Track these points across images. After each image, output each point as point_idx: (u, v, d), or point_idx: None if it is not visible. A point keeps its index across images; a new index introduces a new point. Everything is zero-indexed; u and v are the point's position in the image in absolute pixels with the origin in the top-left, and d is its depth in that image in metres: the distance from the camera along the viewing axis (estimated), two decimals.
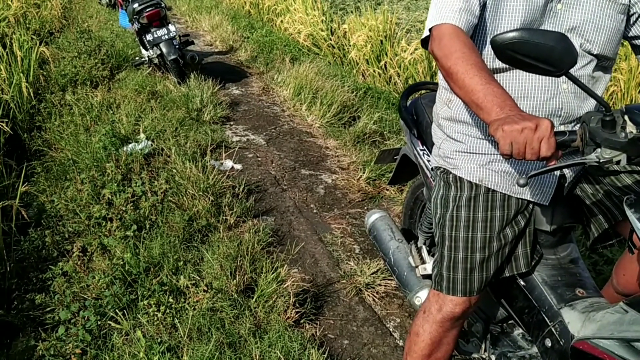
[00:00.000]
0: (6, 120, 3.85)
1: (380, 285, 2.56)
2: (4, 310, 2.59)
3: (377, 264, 2.63)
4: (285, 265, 2.56)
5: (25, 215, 2.82)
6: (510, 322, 1.73)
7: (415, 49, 5.23)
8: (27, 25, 7.07)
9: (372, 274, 2.60)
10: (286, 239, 2.95)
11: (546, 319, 1.44)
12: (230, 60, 6.54)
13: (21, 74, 4.73)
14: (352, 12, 10.26)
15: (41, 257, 2.85)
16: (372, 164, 3.45)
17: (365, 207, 3.28)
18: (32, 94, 4.70)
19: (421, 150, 1.96)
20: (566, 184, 1.53)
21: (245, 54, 6.53)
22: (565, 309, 1.41)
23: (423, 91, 2.46)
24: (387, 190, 3.43)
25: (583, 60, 1.45)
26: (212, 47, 7.23)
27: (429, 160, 1.88)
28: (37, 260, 2.83)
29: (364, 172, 3.54)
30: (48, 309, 2.49)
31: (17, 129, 4.40)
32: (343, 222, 3.11)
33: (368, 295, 2.52)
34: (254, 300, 2.34)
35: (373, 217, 2.34)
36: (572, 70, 1.16)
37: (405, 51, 5.44)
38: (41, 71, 5.42)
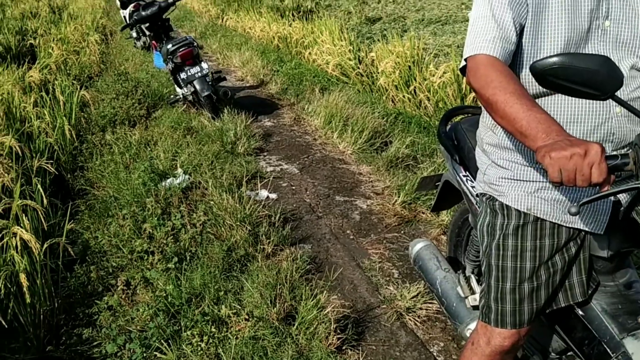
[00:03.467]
0: (51, 161, 4.01)
1: (421, 309, 2.53)
2: (53, 346, 2.66)
3: (417, 288, 2.61)
4: (325, 292, 2.56)
5: (71, 252, 2.91)
6: (569, 354, 1.65)
7: (444, 73, 5.25)
8: (68, 71, 7.40)
9: (413, 297, 2.57)
10: (324, 266, 2.96)
11: (608, 350, 1.37)
12: (261, 93, 6.68)
13: (64, 118, 4.93)
14: (379, 40, 10.40)
15: (87, 293, 2.93)
16: (413, 191, 3.43)
17: (402, 232, 3.27)
18: (74, 136, 4.89)
19: (464, 176, 1.91)
20: (622, 209, 1.42)
21: (275, 87, 6.66)
22: (628, 339, 1.33)
23: (462, 115, 2.41)
24: (424, 213, 3.41)
25: (637, 80, 1.37)
26: (243, 82, 7.40)
27: (473, 187, 1.83)
28: (83, 296, 2.91)
29: (399, 196, 3.54)
30: (95, 343, 2.55)
31: (61, 170, 4.57)
32: (380, 247, 3.10)
33: (409, 319, 2.49)
34: (295, 327, 2.34)
35: (417, 246, 2.29)
36: (625, 92, 1.11)
37: (433, 75, 5.47)
38: (82, 113, 5.64)
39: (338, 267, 2.93)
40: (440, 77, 5.28)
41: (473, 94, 4.87)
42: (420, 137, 4.43)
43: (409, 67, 5.92)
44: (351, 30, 8.45)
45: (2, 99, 5.00)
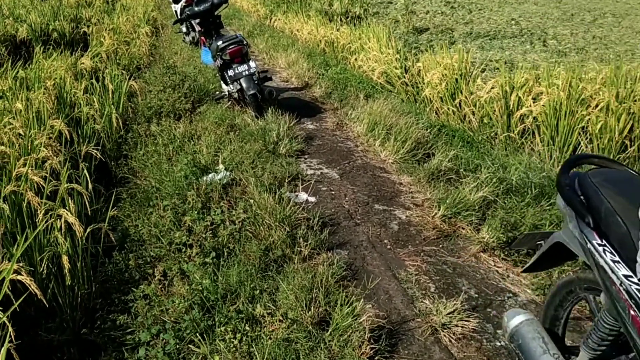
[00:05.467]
0: (97, 148, 4.10)
1: (457, 326, 2.47)
2: (88, 329, 2.70)
3: (454, 304, 2.56)
4: (362, 300, 2.53)
5: (112, 239, 2.96)
6: None
7: (492, 88, 5.16)
8: (118, 61, 7.57)
9: (449, 314, 2.52)
10: (360, 273, 2.93)
11: None
12: (305, 96, 6.70)
13: (112, 106, 5.04)
14: (425, 50, 10.31)
15: (123, 279, 2.97)
16: (511, 247, 3.23)
17: (441, 245, 3.21)
18: (120, 125, 4.99)
19: (600, 245, 1.54)
20: None
21: (320, 90, 6.67)
22: None
23: (587, 165, 2.00)
24: (463, 229, 3.35)
25: None
26: (287, 83, 7.44)
27: (615, 262, 1.47)
28: (119, 282, 2.95)
29: (439, 210, 3.48)
30: (129, 330, 2.58)
31: (106, 157, 4.67)
32: (418, 260, 3.05)
33: (444, 335, 2.44)
34: (328, 333, 2.32)
35: (516, 319, 1.91)
36: None
37: (480, 90, 5.38)
38: (129, 103, 5.76)
39: (374, 276, 2.89)
40: (487, 92, 5.19)
41: (521, 112, 4.76)
42: (464, 151, 4.35)
43: (456, 79, 5.84)
44: (398, 39, 8.40)
45: (55, 83, 5.15)
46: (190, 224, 3.17)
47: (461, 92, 5.66)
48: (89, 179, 3.35)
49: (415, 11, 18.26)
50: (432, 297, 2.72)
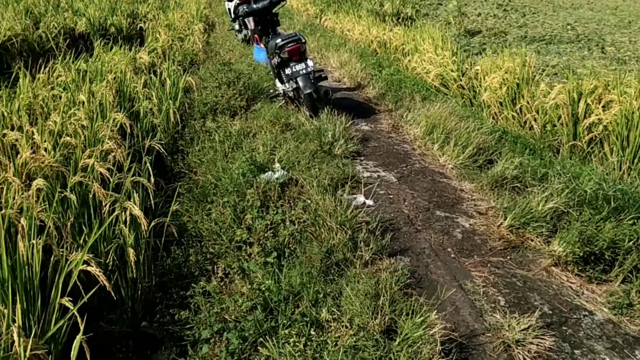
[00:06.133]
0: (159, 142, 4.12)
1: (532, 343, 2.34)
2: (148, 322, 2.69)
3: (528, 320, 2.42)
4: (434, 311, 2.43)
5: (175, 234, 2.95)
6: None
7: (558, 94, 4.95)
8: (173, 57, 7.66)
9: (523, 330, 2.39)
10: (424, 282, 2.83)
11: None
12: (358, 96, 6.61)
13: (170, 101, 5.08)
14: (478, 53, 10.09)
15: (182, 274, 2.95)
16: None
17: (508, 257, 3.07)
18: (178, 120, 5.02)
19: None
20: None
21: (373, 91, 6.57)
22: None
23: None
24: (532, 240, 3.20)
25: None
26: (340, 83, 7.36)
27: None
28: (177, 277, 2.94)
29: (505, 219, 3.34)
30: (188, 325, 2.56)
31: (163, 151, 4.70)
32: (485, 271, 2.93)
33: (519, 353, 2.31)
34: (397, 343, 2.23)
35: None
36: None
37: (545, 95, 5.18)
38: (185, 99, 5.79)
39: (438, 286, 2.78)
40: (553, 98, 4.98)
41: (589, 120, 4.55)
42: (529, 159, 4.18)
43: (517, 84, 5.64)
44: (454, 42, 8.21)
45: (116, 77, 5.22)
46: (250, 222, 3.13)
47: (523, 97, 5.47)
48: (151, 172, 3.35)
49: (466, 13, 17.92)
50: (502, 311, 2.59)
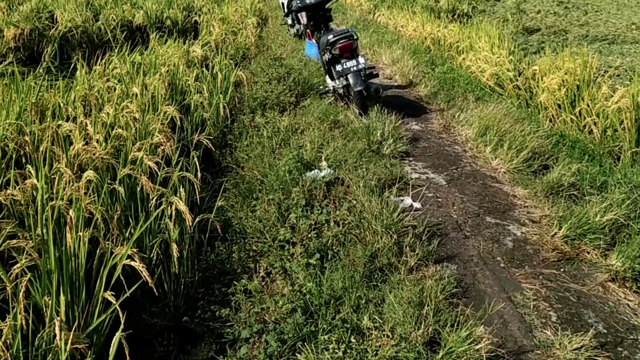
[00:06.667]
0: (206, 136, 4.15)
1: None
2: (189, 317, 2.71)
3: (582, 340, 2.29)
4: (482, 325, 2.33)
5: (219, 230, 2.95)
6: None
7: (622, 97, 4.68)
8: (225, 50, 7.73)
9: (575, 349, 2.26)
10: (470, 292, 2.72)
11: None
12: (409, 94, 6.48)
13: (220, 95, 5.11)
14: (537, 52, 9.73)
15: (225, 270, 2.95)
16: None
17: (562, 269, 2.92)
18: (227, 114, 5.04)
19: None
20: None
21: (425, 90, 6.42)
22: None
23: None
24: (588, 253, 3.03)
25: None
26: (391, 80, 7.24)
27: None
28: (220, 272, 2.94)
29: (559, 229, 3.18)
30: (228, 323, 2.55)
31: (211, 145, 4.74)
32: (536, 283, 2.79)
33: None
34: (440, 356, 2.15)
35: None
36: None
37: (607, 99, 4.91)
38: (236, 93, 5.83)
39: (486, 297, 2.67)
40: (616, 102, 4.72)
41: None
42: (588, 166, 3.97)
43: (577, 86, 5.38)
44: (511, 40, 7.94)
45: (169, 70, 5.30)
46: (294, 221, 3.10)
47: (583, 100, 5.21)
48: (198, 167, 3.37)
49: (525, 10, 17.36)
50: (553, 327, 2.46)
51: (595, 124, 4.99)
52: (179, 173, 3.04)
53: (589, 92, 5.20)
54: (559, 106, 5.50)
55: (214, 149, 4.72)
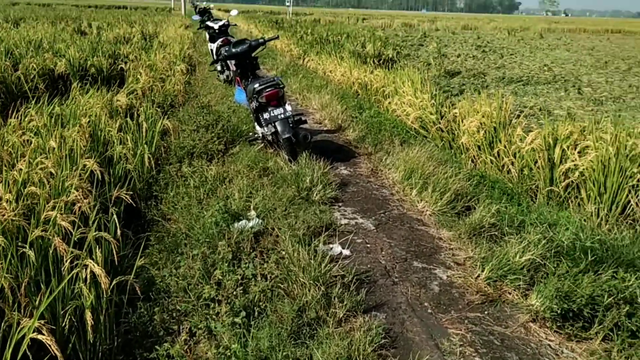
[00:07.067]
0: (129, 190, 4.01)
1: None
2: None
3: None
4: None
5: (139, 292, 2.82)
6: None
7: (534, 139, 4.96)
8: (153, 98, 7.61)
9: None
10: (399, 342, 2.71)
11: None
12: (338, 139, 6.59)
13: (145, 145, 4.99)
14: (456, 94, 10.21)
15: (147, 333, 2.81)
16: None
17: (486, 312, 2.98)
18: (152, 165, 4.92)
19: None
20: None
21: (353, 134, 6.56)
22: None
23: None
24: (509, 294, 3.11)
25: None
26: (321, 125, 7.35)
27: None
28: (142, 335, 2.79)
29: (482, 271, 3.26)
30: None
31: (136, 197, 4.58)
32: (462, 328, 2.83)
33: None
34: None
35: None
36: None
37: (521, 140, 5.19)
38: (162, 142, 5.71)
39: (414, 345, 2.67)
40: (529, 144, 4.99)
41: (566, 166, 4.54)
42: (507, 206, 4.14)
43: (494, 128, 5.66)
44: (431, 83, 8.29)
45: (90, 121, 5.13)
46: (220, 277, 3.01)
47: (500, 142, 5.48)
48: (117, 224, 3.24)
49: (446, 54, 18.31)
50: None
51: (512, 163, 5.24)
52: (95, 233, 2.90)
53: (505, 134, 5.48)
54: (479, 147, 5.75)
55: (138, 202, 4.58)
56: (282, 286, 2.96)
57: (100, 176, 3.98)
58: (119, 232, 3.25)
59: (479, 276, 3.25)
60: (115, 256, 3.01)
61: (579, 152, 4.61)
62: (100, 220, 3.18)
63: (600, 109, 9.24)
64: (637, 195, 4.14)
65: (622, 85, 12.33)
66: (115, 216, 3.25)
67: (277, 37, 6.57)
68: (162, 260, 3.44)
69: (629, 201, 4.18)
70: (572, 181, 4.54)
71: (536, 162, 4.90)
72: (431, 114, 6.73)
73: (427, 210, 4.32)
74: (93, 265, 2.60)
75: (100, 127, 5.08)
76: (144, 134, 5.35)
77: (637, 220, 4.05)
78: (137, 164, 4.80)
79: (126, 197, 3.52)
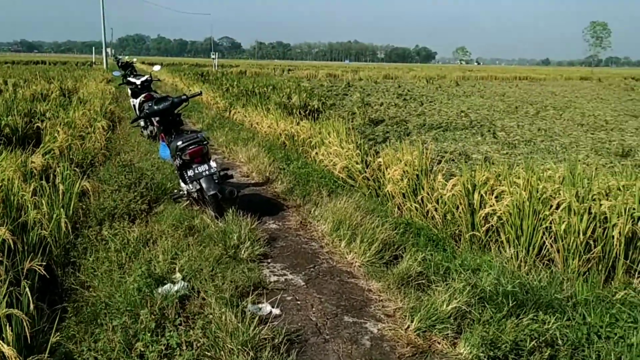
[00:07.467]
0: (46, 258, 3.78)
1: None
2: None
3: None
4: None
5: None
6: None
7: (454, 186, 5.16)
8: (71, 157, 7.32)
9: None
10: None
11: None
12: (266, 192, 6.57)
13: (61, 209, 4.75)
14: (381, 142, 10.53)
15: None
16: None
17: None
18: (69, 229, 4.68)
19: None
20: None
21: (281, 186, 6.57)
22: None
23: None
24: (439, 343, 3.15)
25: None
26: (248, 178, 7.32)
27: None
28: None
29: (412, 321, 3.29)
30: None
31: (52, 264, 4.32)
32: None
33: None
34: None
35: None
36: None
37: (443, 187, 5.39)
38: (80, 204, 5.47)
39: None
40: (450, 190, 5.19)
41: (485, 211, 4.75)
42: (432, 254, 4.24)
43: (417, 175, 5.86)
44: (356, 132, 8.53)
45: (2, 185, 4.85)
46: (142, 349, 2.85)
47: (423, 189, 5.66)
48: (31, 298, 3.03)
49: (370, 103, 18.97)
50: None
51: (436, 210, 5.41)
52: (5, 310, 2.69)
53: (428, 181, 5.67)
54: (404, 195, 5.91)
55: (55, 268, 4.32)
56: (209, 354, 2.84)
57: (12, 245, 3.74)
58: (32, 306, 3.04)
59: (408, 327, 3.27)
60: (28, 333, 2.79)
61: (496, 197, 4.83)
62: (12, 294, 2.97)
63: (514, 152, 9.81)
64: (551, 237, 4.37)
65: (531, 129, 13.19)
66: (28, 289, 3.04)
67: (200, 94, 6.56)
68: (80, 333, 3.22)
69: (544, 242, 4.40)
70: (492, 225, 4.73)
71: (458, 207, 5.09)
72: (357, 163, 6.88)
73: (356, 262, 4.35)
74: (3, 346, 2.40)
75: (13, 192, 4.81)
76: (60, 196, 5.11)
77: (552, 260, 4.26)
78: (54, 229, 4.55)
79: (39, 269, 3.31)
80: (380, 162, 6.56)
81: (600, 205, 4.24)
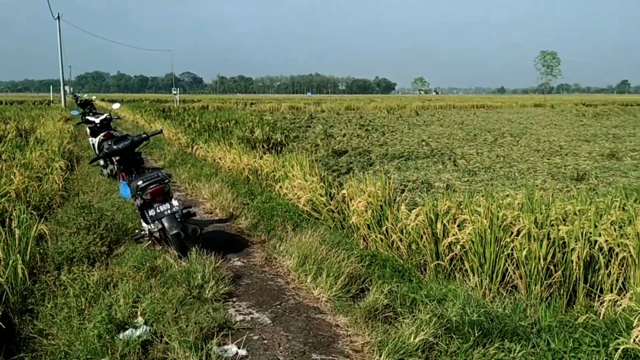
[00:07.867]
0: (2, 307, 3.62)
1: None
2: None
3: None
4: None
5: None
6: None
7: (417, 215, 5.23)
8: (28, 200, 7.11)
9: None
10: None
11: None
12: (230, 228, 6.51)
13: (18, 254, 4.59)
14: (345, 173, 10.61)
15: None
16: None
17: None
18: (26, 275, 4.51)
19: None
20: None
21: (246, 222, 6.52)
22: None
23: None
24: None
25: None
26: (212, 214, 7.24)
27: None
28: None
29: (380, 356, 3.27)
30: None
31: (9, 312, 4.15)
32: None
33: None
34: None
35: None
36: None
37: (406, 217, 5.44)
38: (38, 248, 5.29)
39: None
40: (413, 220, 5.24)
41: (448, 240, 4.81)
42: (398, 285, 4.25)
43: (381, 206, 5.91)
44: (320, 164, 8.58)
45: None
46: None
47: (387, 219, 5.70)
48: None
49: (333, 134, 19.16)
50: None
51: (400, 240, 5.45)
52: None
53: (392, 211, 5.73)
54: (369, 226, 5.94)
55: (12, 315, 4.14)
56: None
57: None
58: None
59: None
60: None
61: (458, 226, 4.91)
62: None
63: (474, 179, 10.02)
64: (513, 263, 4.45)
65: (490, 156, 13.54)
66: None
67: (161, 132, 6.52)
68: None
69: (507, 269, 4.48)
70: (455, 254, 4.79)
71: (422, 237, 5.14)
72: (321, 195, 6.90)
73: (323, 297, 4.32)
74: None
75: None
76: (17, 241, 4.94)
77: (515, 286, 4.33)
78: (10, 275, 4.40)
79: None
80: (344, 193, 6.60)
81: (559, 230, 4.36)
